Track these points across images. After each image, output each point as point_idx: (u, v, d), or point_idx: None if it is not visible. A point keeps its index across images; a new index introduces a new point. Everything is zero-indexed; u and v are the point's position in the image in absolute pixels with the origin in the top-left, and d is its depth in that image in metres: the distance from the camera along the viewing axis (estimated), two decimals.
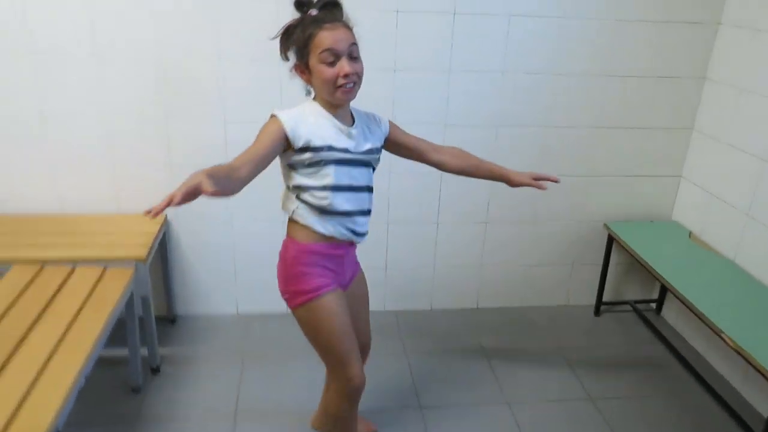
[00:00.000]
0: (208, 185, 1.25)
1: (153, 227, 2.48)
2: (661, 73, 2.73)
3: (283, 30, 1.64)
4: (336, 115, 1.66)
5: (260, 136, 1.59)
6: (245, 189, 1.50)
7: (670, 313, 3.06)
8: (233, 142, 2.55)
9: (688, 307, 2.34)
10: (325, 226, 1.69)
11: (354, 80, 1.60)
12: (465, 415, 2.37)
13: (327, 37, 1.56)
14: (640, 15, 2.62)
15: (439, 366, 2.65)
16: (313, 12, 1.60)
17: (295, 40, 1.61)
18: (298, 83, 1.69)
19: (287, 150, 1.61)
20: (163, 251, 2.70)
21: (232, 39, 2.45)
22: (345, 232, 1.72)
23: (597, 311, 3.10)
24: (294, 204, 1.70)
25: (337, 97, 1.61)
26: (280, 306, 1.86)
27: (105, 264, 2.26)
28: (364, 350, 2.00)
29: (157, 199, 1.27)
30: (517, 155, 2.76)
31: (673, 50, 2.70)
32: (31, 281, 2.12)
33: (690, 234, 2.85)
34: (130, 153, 2.56)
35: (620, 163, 2.89)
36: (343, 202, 1.67)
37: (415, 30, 2.52)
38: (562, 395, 2.50)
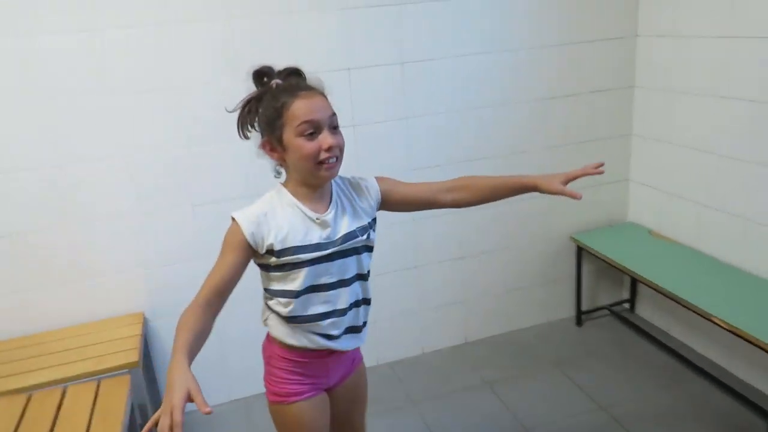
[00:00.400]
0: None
1: (135, 329, 2.34)
2: (594, 88, 2.92)
3: (243, 103, 1.43)
4: (309, 202, 1.43)
5: (223, 249, 1.39)
6: None
7: (644, 309, 3.20)
8: (202, 225, 2.49)
9: (671, 299, 2.46)
10: (298, 339, 1.48)
11: (337, 154, 1.38)
12: None
13: (304, 107, 1.34)
14: (563, 39, 2.81)
15: (450, 409, 2.63)
16: (278, 82, 1.41)
17: (264, 113, 1.39)
18: (266, 162, 1.47)
19: (255, 252, 1.41)
20: (146, 352, 2.54)
21: (196, 119, 2.41)
22: (321, 341, 1.48)
23: (578, 321, 3.19)
24: (266, 313, 1.52)
25: (319, 174, 1.38)
26: None
27: (97, 378, 2.10)
28: None
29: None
30: None
31: (600, 66, 2.89)
32: (23, 415, 1.93)
33: (650, 231, 3.01)
34: (98, 253, 2.42)
35: None
36: (317, 305, 1.45)
37: (368, 84, 2.58)
38: (574, 410, 2.54)
